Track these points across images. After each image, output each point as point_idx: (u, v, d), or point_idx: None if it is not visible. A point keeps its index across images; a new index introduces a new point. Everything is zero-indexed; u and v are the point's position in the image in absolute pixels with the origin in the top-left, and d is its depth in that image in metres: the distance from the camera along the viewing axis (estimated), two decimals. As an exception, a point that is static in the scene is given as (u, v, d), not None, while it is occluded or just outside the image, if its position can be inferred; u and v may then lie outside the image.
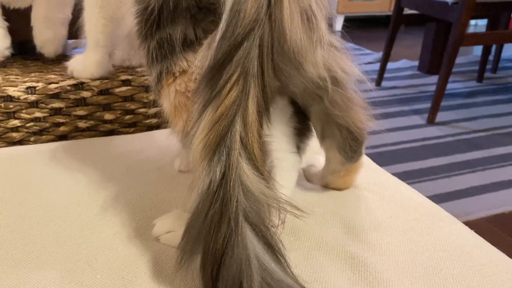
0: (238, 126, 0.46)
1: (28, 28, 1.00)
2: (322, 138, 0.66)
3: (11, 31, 0.98)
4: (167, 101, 0.57)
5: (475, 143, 1.98)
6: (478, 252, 0.58)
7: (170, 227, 0.61)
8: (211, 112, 0.47)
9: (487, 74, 2.76)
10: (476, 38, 2.16)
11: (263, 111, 0.49)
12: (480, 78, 2.69)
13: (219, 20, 0.50)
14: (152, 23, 0.55)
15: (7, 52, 0.96)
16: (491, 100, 2.45)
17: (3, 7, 0.97)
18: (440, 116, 2.19)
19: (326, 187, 0.71)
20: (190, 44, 0.53)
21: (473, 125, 2.15)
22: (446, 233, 0.61)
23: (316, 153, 0.78)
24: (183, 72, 0.55)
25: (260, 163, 0.47)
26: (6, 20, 0.98)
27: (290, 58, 0.51)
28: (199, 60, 0.51)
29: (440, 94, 2.10)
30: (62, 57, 1.04)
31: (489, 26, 2.61)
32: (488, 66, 2.76)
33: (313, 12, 0.50)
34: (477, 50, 3.26)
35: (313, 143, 0.74)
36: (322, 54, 0.54)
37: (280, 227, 0.48)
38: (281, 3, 0.48)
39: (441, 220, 0.65)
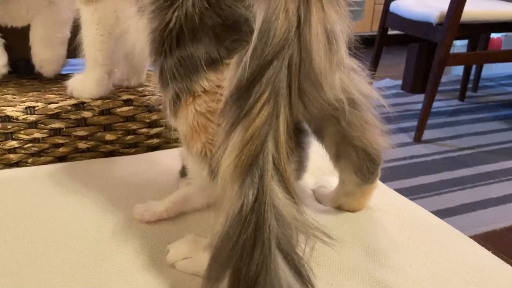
0: (270, 147, 0.45)
1: (25, 46, 0.98)
2: (337, 159, 0.65)
3: (7, 48, 0.96)
4: (184, 122, 0.56)
5: (462, 160, 2.01)
6: (499, 273, 0.58)
7: (186, 253, 0.59)
8: (241, 132, 0.46)
9: (468, 93, 2.82)
10: (460, 58, 2.21)
11: (291, 132, 0.48)
12: (462, 97, 2.76)
13: (244, 38, 0.50)
14: (172, 41, 0.54)
15: (4, 70, 0.94)
16: (474, 119, 2.50)
17: (-1, 25, 0.95)
18: (426, 134, 2.22)
19: (339, 208, 0.70)
20: (212, 63, 0.52)
21: (459, 143, 2.19)
22: (465, 254, 0.61)
23: (325, 174, 0.78)
24: (205, 91, 0.54)
25: (291, 186, 0.46)
26: (3, 37, 0.96)
27: (311, 79, 0.50)
28: (226, 79, 0.50)
29: (426, 112, 2.14)
30: (59, 76, 1.01)
31: (470, 47, 2.68)
32: (469, 85, 2.83)
33: (335, 34, 0.51)
34: (456, 69, 3.35)
35: (321, 163, 0.74)
36: (340, 77, 0.54)
37: (308, 254, 0.47)
38: (309, 23, 0.47)
39: (456, 240, 0.65)
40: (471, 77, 2.88)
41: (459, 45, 3.92)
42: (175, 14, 0.53)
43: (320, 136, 0.65)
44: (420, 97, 2.23)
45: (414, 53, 2.74)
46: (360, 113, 0.60)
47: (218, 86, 0.53)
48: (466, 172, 1.92)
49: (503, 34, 3.90)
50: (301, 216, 0.46)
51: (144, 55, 0.92)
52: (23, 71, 1.03)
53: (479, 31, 2.40)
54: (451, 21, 2.00)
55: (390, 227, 0.66)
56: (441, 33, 2.05)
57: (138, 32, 0.67)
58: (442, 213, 1.63)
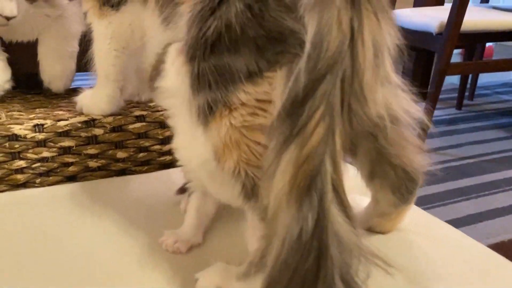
0: (328, 166, 0.42)
1: (29, 61, 0.94)
2: (371, 178, 0.63)
3: (11, 63, 0.92)
4: (216, 135, 0.52)
5: (465, 170, 2.00)
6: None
7: (218, 282, 0.56)
8: (295, 151, 0.43)
9: (464, 101, 2.83)
10: (460, 68, 2.21)
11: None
12: (459, 106, 2.76)
13: (289, 51, 0.47)
14: (206, 47, 0.51)
15: (7, 86, 0.89)
16: (472, 127, 2.50)
17: (2, 39, 0.91)
18: (426, 144, 2.21)
19: (370, 230, 0.67)
20: (250, 76, 0.49)
21: (460, 152, 2.18)
22: (508, 280, 0.58)
23: (353, 193, 0.74)
24: (242, 104, 0.50)
25: (350, 209, 0.43)
26: (6, 51, 0.91)
27: (358, 94, 0.47)
28: (275, 93, 0.47)
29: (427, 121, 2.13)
30: (65, 91, 0.97)
31: (466, 56, 2.69)
32: (465, 93, 2.84)
33: (383, 48, 0.48)
34: (451, 78, 3.36)
35: (350, 182, 0.71)
36: (383, 92, 0.51)
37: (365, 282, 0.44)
38: (362, 36, 0.45)
39: (495, 261, 0.62)
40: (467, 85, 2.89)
41: (454, 53, 3.94)
42: (215, 23, 0.50)
43: (353, 154, 0.62)
44: (419, 106, 2.22)
45: (411, 62, 2.74)
46: (401, 130, 0.57)
47: (257, 100, 0.50)
48: (469, 182, 1.91)
49: (496, 43, 3.94)
50: (360, 242, 0.43)
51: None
52: (27, 86, 0.99)
53: (477, 41, 2.41)
54: (451, 30, 2.00)
55: (427, 250, 0.63)
56: (441, 42, 2.05)
57: (159, 44, 0.64)
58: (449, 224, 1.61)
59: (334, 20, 0.44)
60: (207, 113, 0.51)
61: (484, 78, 3.42)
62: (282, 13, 0.47)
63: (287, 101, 0.44)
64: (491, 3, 2.96)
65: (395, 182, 0.60)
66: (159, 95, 0.59)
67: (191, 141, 0.57)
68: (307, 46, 0.44)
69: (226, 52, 0.49)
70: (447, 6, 2.21)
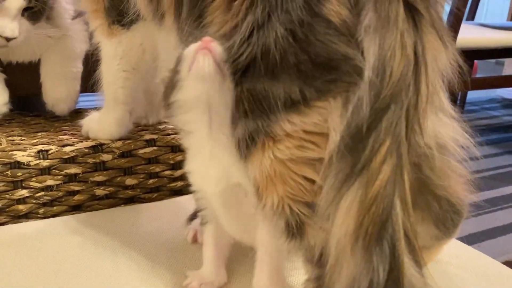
0: (398, 209, 0.38)
1: (28, 82, 0.88)
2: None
3: (9, 85, 0.86)
4: (258, 168, 0.48)
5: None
6: None
7: None
8: (360, 191, 0.39)
9: (454, 118, 2.85)
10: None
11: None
12: (449, 122, 2.78)
13: (343, 79, 0.43)
14: (237, 71, 0.46)
15: (5, 108, 0.84)
16: (464, 144, 2.51)
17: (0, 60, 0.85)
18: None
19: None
20: (294, 105, 0.45)
21: (455, 169, 2.18)
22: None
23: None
24: (287, 135, 0.46)
25: (422, 258, 0.39)
26: (4, 72, 0.86)
27: (414, 123, 0.44)
28: (331, 126, 0.42)
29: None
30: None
31: (455, 73, 2.72)
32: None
33: (441, 75, 0.45)
34: (439, 94, 3.39)
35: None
36: (433, 120, 0.48)
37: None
38: (425, 61, 0.42)
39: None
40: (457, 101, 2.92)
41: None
42: (249, 49, 0.45)
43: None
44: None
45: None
46: (448, 159, 0.54)
47: (304, 131, 0.45)
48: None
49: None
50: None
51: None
52: (26, 108, 0.93)
53: (469, 58, 2.43)
54: (446, 48, 2.01)
55: (470, 285, 0.59)
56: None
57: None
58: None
59: (397, 44, 0.41)
60: (248, 144, 0.47)
61: (471, 94, 3.46)
62: (331, 36, 0.43)
63: (347, 134, 0.40)
64: (477, 20, 3.02)
65: (438, 214, 0.57)
66: (175, 112, 0.54)
67: (208, 163, 0.52)
68: (368, 73, 0.40)
69: (263, 77, 0.45)
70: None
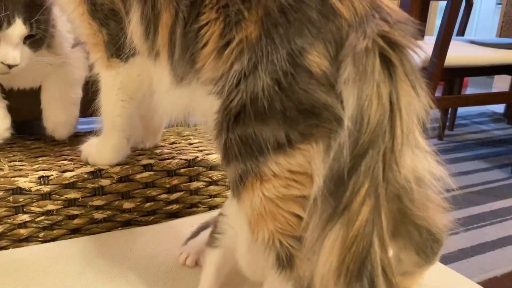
0: (376, 248, 0.42)
1: (30, 107, 0.91)
2: (394, 238, 0.62)
3: (11, 110, 0.89)
4: (249, 206, 0.52)
5: (451, 202, 2.03)
6: None
7: None
8: (342, 230, 0.42)
9: (445, 131, 2.90)
10: (446, 101, 2.27)
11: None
12: (440, 136, 2.82)
13: (324, 125, 0.47)
14: (230, 118, 0.50)
15: (7, 134, 0.86)
16: (455, 158, 2.55)
17: (1, 86, 0.88)
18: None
19: None
20: (280, 147, 0.49)
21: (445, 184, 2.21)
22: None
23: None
24: (274, 176, 0.50)
25: (398, 290, 0.42)
26: (5, 98, 0.89)
27: (391, 163, 0.48)
28: (314, 169, 0.46)
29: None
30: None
31: (446, 88, 2.77)
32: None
33: (414, 118, 0.49)
34: (431, 107, 3.44)
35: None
36: (410, 156, 0.52)
37: None
38: (400, 108, 0.45)
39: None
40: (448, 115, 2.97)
41: (430, 83, 4.05)
42: (239, 95, 0.49)
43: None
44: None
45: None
46: (426, 191, 0.57)
47: (290, 171, 0.49)
48: (457, 215, 1.91)
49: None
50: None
51: (164, 117, 0.88)
52: (25, 131, 0.96)
53: (458, 75, 2.49)
54: (436, 65, 2.06)
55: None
56: (426, 77, 2.10)
57: (171, 98, 0.64)
58: (443, 260, 1.62)
59: (374, 94, 0.44)
60: (238, 185, 0.50)
61: (462, 108, 3.51)
62: (313, 85, 0.47)
63: (328, 178, 0.44)
64: (466, 36, 3.07)
65: (419, 242, 0.60)
66: None
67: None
68: (347, 122, 0.44)
69: (253, 122, 0.49)
70: (428, 40, 2.29)
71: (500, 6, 3.90)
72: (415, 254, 0.61)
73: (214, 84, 0.54)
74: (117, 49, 0.72)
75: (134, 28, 0.65)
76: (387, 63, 0.45)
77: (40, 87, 0.90)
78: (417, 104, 0.47)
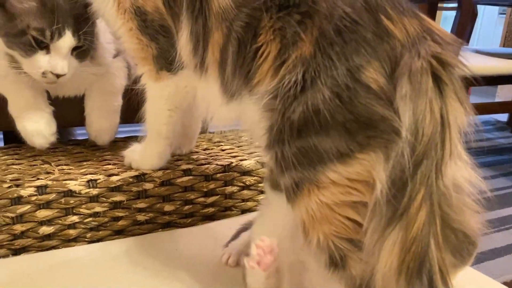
0: (433, 248, 0.46)
1: (73, 114, 0.96)
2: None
3: (56, 117, 0.93)
4: (305, 211, 0.56)
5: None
6: None
7: None
8: (400, 232, 0.47)
9: (451, 140, 2.94)
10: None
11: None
12: (446, 144, 2.87)
13: (381, 136, 0.51)
14: (292, 131, 0.55)
15: (53, 138, 0.90)
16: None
17: (49, 93, 0.93)
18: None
19: None
20: (340, 156, 0.53)
21: (453, 191, 2.26)
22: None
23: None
24: (333, 183, 0.54)
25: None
26: (51, 105, 0.93)
27: (439, 172, 0.52)
28: (375, 177, 0.51)
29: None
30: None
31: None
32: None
33: (461, 132, 0.53)
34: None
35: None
36: (451, 166, 0.56)
37: None
38: (449, 123, 0.50)
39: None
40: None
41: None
42: (299, 108, 0.54)
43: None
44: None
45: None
46: (463, 198, 0.62)
47: (348, 179, 0.54)
48: (466, 221, 1.98)
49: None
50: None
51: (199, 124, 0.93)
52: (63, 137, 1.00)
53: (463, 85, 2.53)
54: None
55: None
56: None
57: (222, 112, 0.68)
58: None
59: (427, 110, 0.49)
60: (294, 190, 0.55)
61: (466, 117, 3.56)
62: (371, 100, 0.52)
63: (388, 185, 0.48)
64: (470, 45, 3.13)
65: (456, 245, 0.64)
66: None
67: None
68: (405, 133, 0.49)
69: (314, 135, 0.53)
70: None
71: (503, 16, 3.98)
72: (452, 255, 0.65)
73: (269, 98, 0.58)
74: (167, 62, 0.76)
75: (184, 43, 0.69)
76: (438, 82, 0.50)
77: (83, 95, 0.95)
78: (463, 118, 0.52)
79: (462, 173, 0.61)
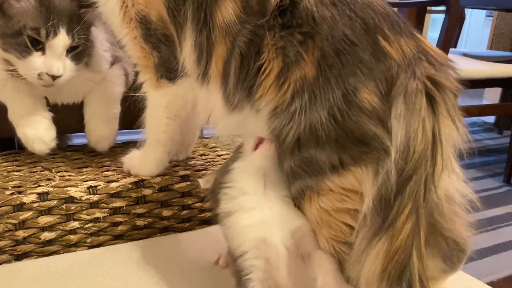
0: (415, 259, 0.49)
1: (72, 121, 0.97)
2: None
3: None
4: (307, 215, 0.60)
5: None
6: None
7: None
8: (386, 242, 0.50)
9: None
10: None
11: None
12: (435, 145, 2.92)
13: (373, 153, 0.54)
14: (294, 145, 0.58)
15: (53, 144, 0.91)
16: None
17: (47, 99, 0.94)
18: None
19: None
20: (335, 168, 0.57)
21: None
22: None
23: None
24: (330, 191, 0.57)
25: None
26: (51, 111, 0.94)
27: (431, 186, 0.55)
28: (365, 189, 0.54)
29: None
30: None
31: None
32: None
33: (453, 148, 0.56)
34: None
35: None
36: (444, 179, 0.59)
37: None
38: (441, 141, 0.53)
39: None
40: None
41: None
42: (302, 127, 0.57)
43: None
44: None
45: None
46: (454, 208, 0.65)
47: (342, 188, 0.57)
48: (454, 222, 2.02)
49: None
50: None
51: (196, 133, 0.95)
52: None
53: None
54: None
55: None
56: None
57: (224, 122, 0.71)
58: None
59: (419, 128, 0.52)
60: (300, 198, 0.58)
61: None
62: (363, 118, 0.55)
63: (377, 198, 0.52)
64: (458, 48, 3.18)
65: (446, 251, 0.67)
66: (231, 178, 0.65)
67: (267, 213, 0.63)
68: (394, 150, 0.52)
69: (313, 147, 0.57)
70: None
71: (490, 18, 4.04)
72: (442, 261, 0.68)
73: (270, 112, 0.61)
74: (166, 71, 0.78)
75: (188, 53, 0.71)
76: (431, 101, 0.53)
77: (82, 103, 0.96)
78: (455, 135, 0.55)
79: (454, 185, 0.64)
